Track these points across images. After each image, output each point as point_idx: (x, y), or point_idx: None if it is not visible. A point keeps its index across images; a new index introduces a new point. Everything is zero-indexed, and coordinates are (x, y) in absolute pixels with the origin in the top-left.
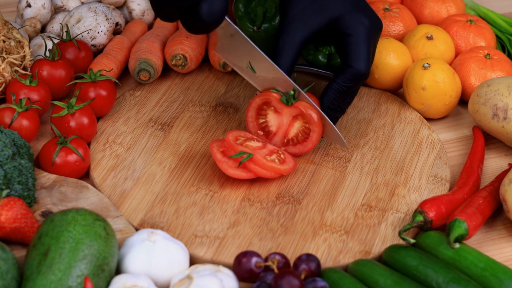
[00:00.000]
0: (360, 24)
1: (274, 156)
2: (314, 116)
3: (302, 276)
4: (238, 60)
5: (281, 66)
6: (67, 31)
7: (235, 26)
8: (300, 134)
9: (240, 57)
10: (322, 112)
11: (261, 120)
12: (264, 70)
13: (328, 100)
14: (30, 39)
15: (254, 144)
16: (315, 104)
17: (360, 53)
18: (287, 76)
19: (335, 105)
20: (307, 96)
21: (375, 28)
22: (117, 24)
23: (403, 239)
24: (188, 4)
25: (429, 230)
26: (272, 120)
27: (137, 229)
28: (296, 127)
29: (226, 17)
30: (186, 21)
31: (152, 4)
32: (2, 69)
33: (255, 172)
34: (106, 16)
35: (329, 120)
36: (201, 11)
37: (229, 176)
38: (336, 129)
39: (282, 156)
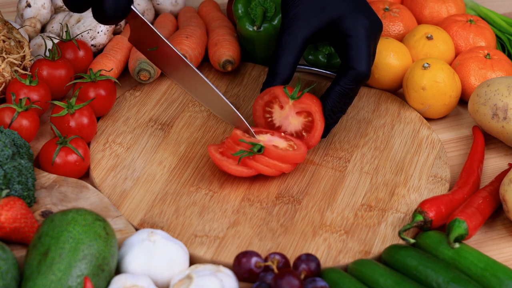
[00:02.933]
0: (361, 25)
1: (285, 145)
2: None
3: (302, 276)
4: (149, 50)
5: (284, 65)
6: (67, 31)
7: (143, 17)
8: (303, 130)
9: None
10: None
11: (267, 116)
12: (173, 62)
13: (330, 103)
14: (30, 39)
15: (263, 136)
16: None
17: (361, 54)
18: (192, 66)
19: (337, 108)
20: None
21: (375, 29)
22: (117, 24)
23: (403, 239)
24: None
25: (429, 230)
26: (277, 115)
27: (137, 229)
28: (299, 122)
29: (134, 8)
30: (94, 13)
31: None
32: (2, 69)
33: (256, 168)
34: None
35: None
36: (105, 5)
37: (230, 173)
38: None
39: (294, 145)
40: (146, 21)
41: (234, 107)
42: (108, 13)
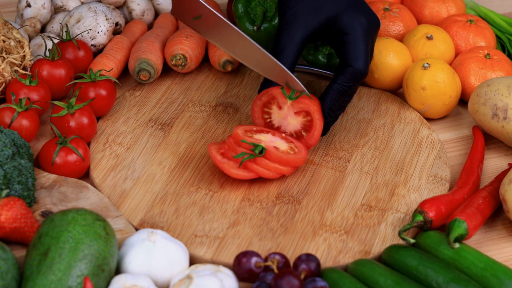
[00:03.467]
0: (358, 22)
1: (286, 147)
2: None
3: (302, 276)
4: (194, 20)
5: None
6: (67, 31)
7: None
8: (302, 129)
9: (195, 17)
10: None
11: (266, 116)
12: (219, 30)
13: (329, 101)
14: (30, 39)
15: (264, 136)
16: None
17: (358, 52)
18: (240, 31)
19: (336, 106)
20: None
21: (372, 27)
22: (117, 24)
23: (403, 239)
24: None
25: (429, 230)
26: (276, 116)
27: (137, 229)
28: (298, 122)
29: None
30: None
31: None
32: (2, 69)
33: (256, 171)
34: (106, 16)
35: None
36: None
37: (230, 176)
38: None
39: (295, 148)
40: None
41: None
42: None
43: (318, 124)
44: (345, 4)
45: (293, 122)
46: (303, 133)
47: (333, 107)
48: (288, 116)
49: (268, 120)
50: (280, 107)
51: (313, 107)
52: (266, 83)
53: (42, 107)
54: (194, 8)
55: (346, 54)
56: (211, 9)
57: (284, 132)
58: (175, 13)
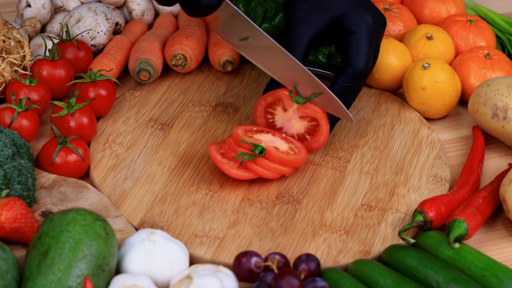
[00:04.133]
0: (363, 21)
1: (286, 147)
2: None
3: (302, 276)
4: (239, 41)
5: None
6: (67, 31)
7: (234, 7)
8: (306, 133)
9: (241, 38)
10: (329, 91)
11: (269, 117)
12: (264, 50)
13: None
14: (30, 39)
15: (265, 136)
16: (325, 87)
17: (360, 52)
18: (290, 55)
19: None
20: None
21: (378, 25)
22: (117, 24)
23: (403, 239)
24: None
25: (429, 230)
26: (280, 117)
27: (137, 229)
28: (302, 125)
29: None
30: (184, 4)
31: None
32: (2, 69)
33: (256, 172)
34: (106, 16)
35: (336, 97)
36: None
37: (230, 176)
38: (341, 103)
39: (295, 148)
40: (239, 11)
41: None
42: (202, 3)
43: (325, 130)
44: (351, 3)
45: (297, 126)
46: (307, 137)
47: None
48: (292, 119)
49: (271, 120)
50: (285, 109)
51: (321, 114)
52: (273, 83)
53: (42, 107)
54: (242, 28)
55: (347, 53)
56: (261, 30)
57: (285, 133)
58: (220, 32)
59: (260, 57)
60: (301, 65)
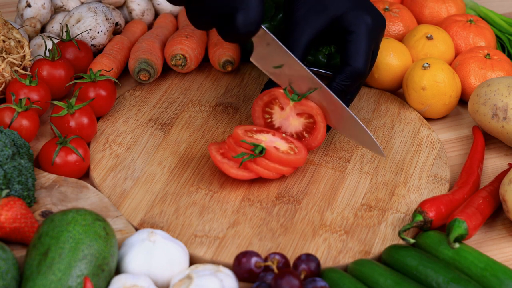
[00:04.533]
0: (363, 22)
1: (286, 147)
2: (319, 112)
3: (302, 276)
4: (274, 68)
5: None
6: (67, 31)
7: (272, 35)
8: (304, 131)
9: (276, 65)
10: (352, 114)
11: (266, 116)
12: (300, 79)
13: None
14: (30, 39)
15: (265, 136)
16: (347, 108)
17: (359, 52)
18: (324, 86)
19: None
20: (340, 100)
21: (378, 26)
22: (117, 24)
23: (403, 239)
24: (223, 13)
25: (428, 230)
26: (277, 116)
27: (137, 229)
28: (300, 123)
29: (262, 26)
30: (221, 30)
31: (187, 12)
32: (2, 69)
33: (256, 172)
34: (106, 16)
35: (364, 126)
36: (236, 21)
37: (230, 176)
38: (372, 136)
39: (295, 148)
40: (275, 38)
41: (234, 108)
42: (240, 30)
43: (322, 127)
44: (351, 3)
45: (295, 123)
46: (305, 134)
47: None
48: (290, 117)
49: (269, 120)
50: (282, 108)
51: (316, 110)
52: (271, 83)
53: (42, 107)
54: (277, 56)
55: (346, 53)
56: (296, 59)
57: (285, 133)
58: (255, 59)
59: (296, 86)
60: (335, 96)
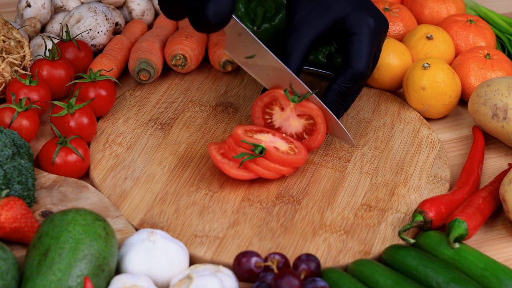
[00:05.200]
0: (365, 24)
1: (286, 147)
2: (320, 113)
3: (302, 276)
4: (246, 59)
5: (290, 69)
6: (67, 31)
7: (243, 25)
8: (304, 132)
9: (248, 55)
10: (330, 111)
11: (267, 117)
12: (270, 69)
13: (329, 101)
14: (30, 39)
15: (265, 136)
16: (323, 104)
17: (361, 54)
18: (295, 76)
19: (336, 106)
20: (316, 97)
21: (380, 28)
22: (117, 24)
23: (403, 239)
24: (194, 4)
25: (428, 230)
26: (278, 117)
27: (137, 229)
28: (300, 124)
29: (233, 16)
30: (193, 20)
31: (160, 2)
32: (2, 69)
33: (256, 172)
34: (106, 16)
35: (337, 119)
36: (207, 12)
37: (230, 176)
38: (343, 127)
39: (295, 149)
40: (246, 29)
41: (234, 108)
42: (210, 21)
43: (322, 128)
44: (353, 5)
45: (295, 124)
46: (305, 136)
47: (332, 107)
48: (290, 118)
49: (269, 120)
50: (282, 109)
51: (317, 111)
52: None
53: (42, 107)
54: (249, 47)
55: (348, 54)
56: (267, 49)
57: (285, 133)
58: (227, 49)
59: (265, 76)
60: (305, 85)
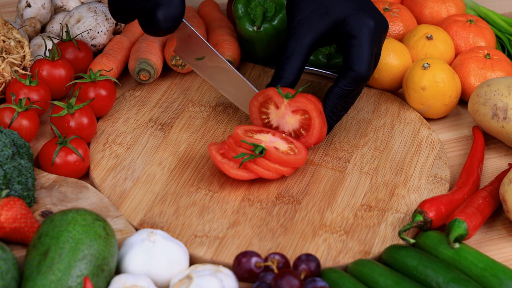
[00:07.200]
0: (365, 25)
1: (286, 147)
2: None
3: (302, 276)
4: (196, 60)
5: (290, 70)
6: (67, 31)
7: (192, 28)
8: (301, 128)
9: (198, 57)
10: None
11: (264, 117)
12: (219, 71)
13: (331, 104)
14: (30, 39)
15: (265, 136)
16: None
17: (362, 56)
18: (241, 75)
19: (337, 108)
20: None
21: (380, 29)
22: (117, 24)
23: (403, 239)
24: (145, 8)
25: (428, 230)
26: (274, 115)
27: (137, 229)
28: (296, 120)
29: (184, 19)
30: (143, 25)
31: (110, 7)
32: (2, 69)
33: (256, 172)
34: (106, 16)
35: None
36: (157, 16)
37: (230, 177)
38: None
39: (295, 149)
40: (196, 31)
41: (234, 108)
42: (160, 25)
43: (317, 122)
44: (353, 6)
45: (291, 121)
46: (302, 132)
47: (334, 110)
48: (286, 115)
49: (266, 120)
50: (277, 107)
51: (310, 105)
52: (273, 85)
53: (42, 107)
54: (198, 49)
55: (349, 57)
56: (216, 51)
57: (283, 132)
58: (178, 51)
59: (215, 77)
60: (253, 87)
